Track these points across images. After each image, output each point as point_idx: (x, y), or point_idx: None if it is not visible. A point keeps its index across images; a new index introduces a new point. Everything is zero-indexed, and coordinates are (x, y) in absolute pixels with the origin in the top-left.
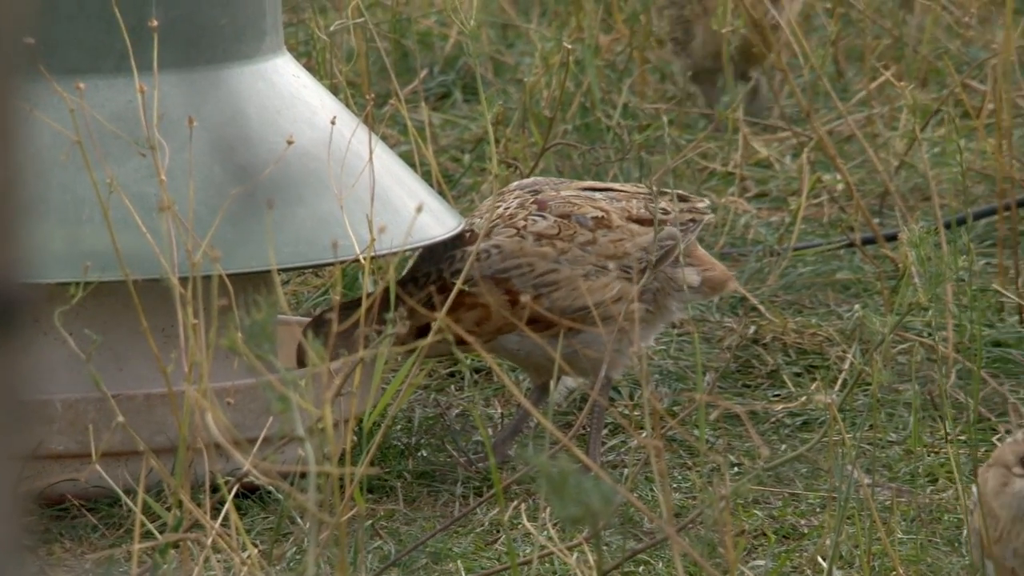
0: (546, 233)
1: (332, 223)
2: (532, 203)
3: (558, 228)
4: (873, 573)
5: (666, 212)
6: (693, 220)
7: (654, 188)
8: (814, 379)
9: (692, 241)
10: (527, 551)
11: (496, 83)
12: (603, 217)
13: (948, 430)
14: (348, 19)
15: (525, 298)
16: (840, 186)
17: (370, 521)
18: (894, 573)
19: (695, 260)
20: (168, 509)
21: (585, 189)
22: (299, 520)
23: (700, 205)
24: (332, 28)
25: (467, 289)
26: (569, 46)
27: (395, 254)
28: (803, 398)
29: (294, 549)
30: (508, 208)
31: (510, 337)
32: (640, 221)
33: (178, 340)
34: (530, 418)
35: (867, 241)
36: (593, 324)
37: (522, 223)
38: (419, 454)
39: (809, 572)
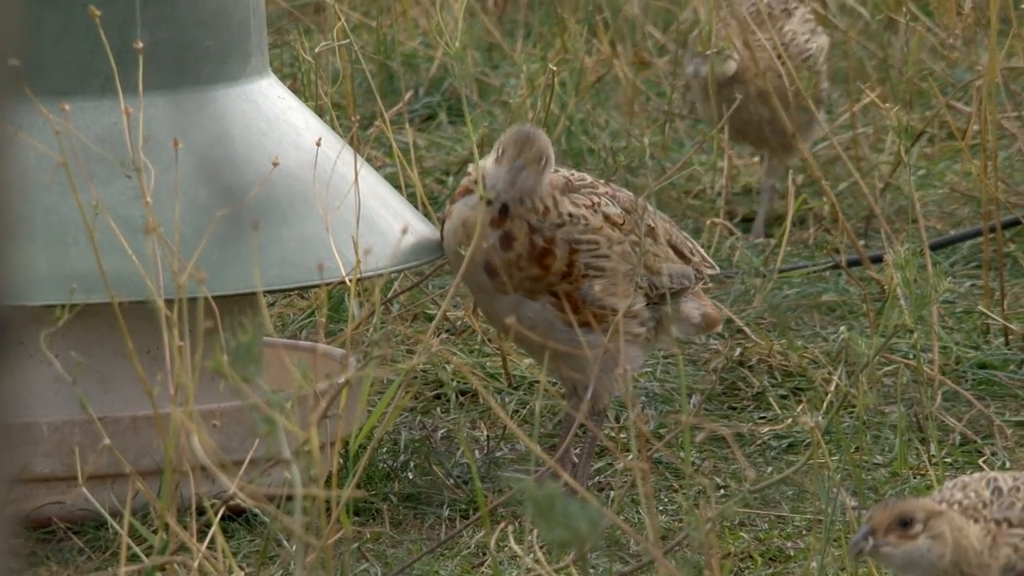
0: (614, 219)
1: (318, 245)
2: (607, 189)
3: (623, 219)
4: None
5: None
6: (699, 272)
7: (642, 209)
8: (800, 401)
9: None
10: (514, 574)
11: (481, 105)
12: (653, 228)
13: (934, 452)
14: (333, 41)
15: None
16: (826, 208)
17: (356, 544)
18: None
19: (696, 296)
20: (154, 532)
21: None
22: (285, 543)
23: (708, 271)
24: (317, 50)
25: (542, 239)
26: (554, 68)
27: (381, 276)
28: (789, 420)
29: (281, 572)
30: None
31: (532, 304)
32: (675, 248)
33: (164, 362)
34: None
35: (852, 263)
36: (606, 327)
37: (597, 200)
38: (405, 476)
39: None
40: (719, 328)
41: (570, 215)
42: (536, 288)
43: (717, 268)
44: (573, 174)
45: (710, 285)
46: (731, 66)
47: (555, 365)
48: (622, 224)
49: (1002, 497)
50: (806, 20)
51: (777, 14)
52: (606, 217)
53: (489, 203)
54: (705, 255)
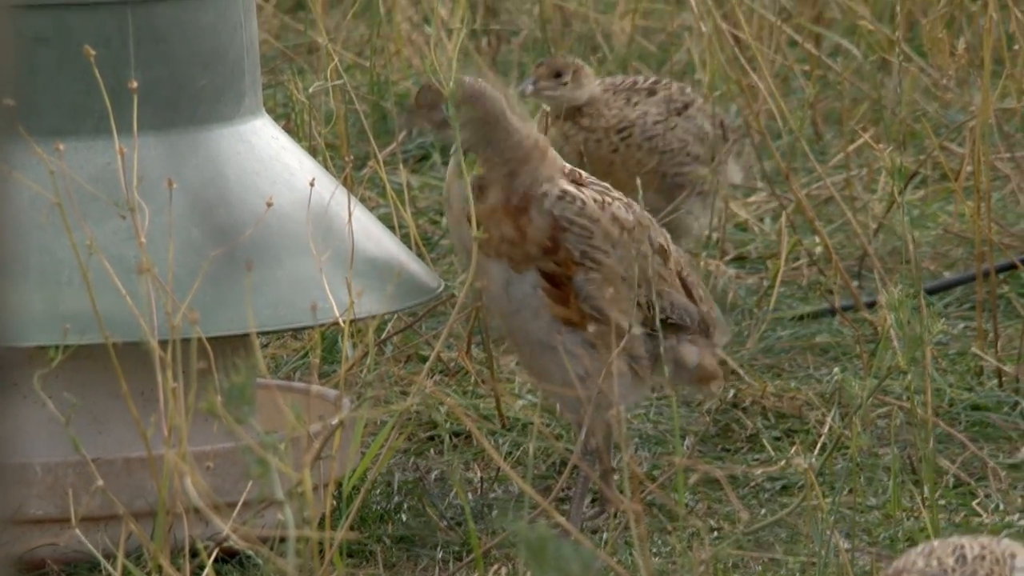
0: (623, 222)
1: (311, 285)
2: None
3: (634, 226)
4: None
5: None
6: (705, 323)
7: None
8: (793, 443)
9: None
10: None
11: None
12: (667, 252)
13: (927, 495)
14: (327, 81)
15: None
16: (819, 249)
17: None
18: None
19: (699, 345)
20: (148, 574)
21: None
22: None
23: (721, 336)
24: (311, 90)
25: (517, 196)
26: (547, 108)
27: (374, 317)
28: (782, 462)
29: None
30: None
31: (521, 284)
32: (683, 281)
33: (157, 403)
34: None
35: (847, 307)
36: (597, 327)
37: (608, 200)
38: (399, 518)
39: None
40: (716, 387)
41: (564, 191)
42: (516, 256)
43: (729, 335)
44: (585, 175)
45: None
46: (580, 95)
47: (534, 371)
48: (631, 230)
49: (965, 566)
50: (672, 102)
51: (640, 87)
52: (614, 218)
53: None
54: (720, 316)
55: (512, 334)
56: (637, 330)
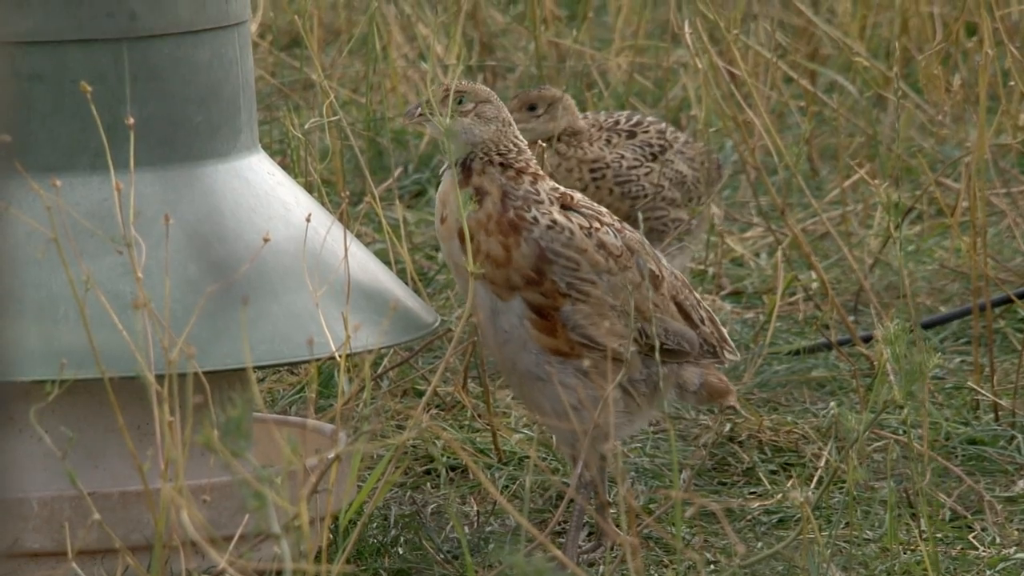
0: (610, 249)
1: (307, 320)
2: (617, 226)
3: (621, 252)
4: None
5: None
6: (709, 346)
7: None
8: (790, 476)
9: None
10: None
11: None
12: (658, 277)
13: (924, 528)
14: (323, 117)
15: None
16: (815, 284)
17: None
18: None
19: (701, 367)
20: None
21: None
22: None
23: (728, 354)
24: (307, 126)
25: (514, 210)
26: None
27: (370, 352)
28: (779, 495)
29: None
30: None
31: (508, 315)
32: (679, 306)
33: (154, 437)
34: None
35: (844, 342)
36: (590, 357)
37: (597, 225)
38: (395, 551)
39: None
40: (730, 400)
41: (554, 222)
42: (499, 278)
43: (737, 355)
44: (577, 198)
45: (724, 366)
46: (554, 128)
47: (526, 402)
48: (619, 256)
49: None
50: (648, 147)
51: (621, 128)
52: (602, 244)
53: (451, 166)
54: (726, 336)
55: (503, 365)
56: (628, 350)
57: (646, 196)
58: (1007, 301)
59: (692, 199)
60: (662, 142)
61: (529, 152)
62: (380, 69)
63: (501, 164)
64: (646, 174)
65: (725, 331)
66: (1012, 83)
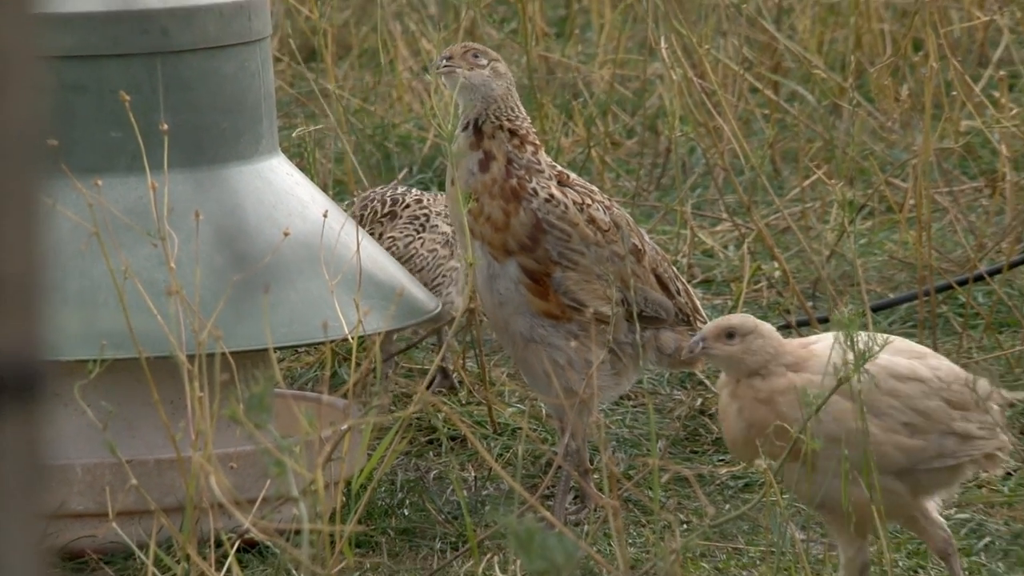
0: (599, 224)
1: (323, 306)
2: (606, 203)
3: (608, 227)
4: None
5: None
6: (684, 314)
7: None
8: None
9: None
10: None
11: None
12: (641, 251)
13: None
14: (335, 124)
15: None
16: (777, 273)
17: (357, 573)
18: None
19: (678, 332)
20: (177, 562)
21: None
22: (294, 572)
23: (700, 323)
24: (321, 131)
25: (517, 178)
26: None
27: (379, 334)
28: (744, 463)
29: None
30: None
31: (504, 279)
32: (659, 278)
33: (185, 411)
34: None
35: (801, 323)
36: (579, 319)
37: (589, 202)
38: (401, 512)
39: None
40: (698, 367)
41: (551, 196)
42: (496, 240)
43: (706, 320)
44: (572, 177)
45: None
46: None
47: (519, 364)
48: (606, 231)
49: None
50: (415, 219)
51: (380, 216)
52: (592, 219)
53: (464, 128)
54: (699, 307)
55: (497, 326)
56: (613, 312)
57: (428, 266)
58: (948, 288)
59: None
60: (423, 210)
61: (528, 119)
62: (387, 80)
63: (510, 131)
64: (421, 244)
65: (698, 303)
66: (954, 93)
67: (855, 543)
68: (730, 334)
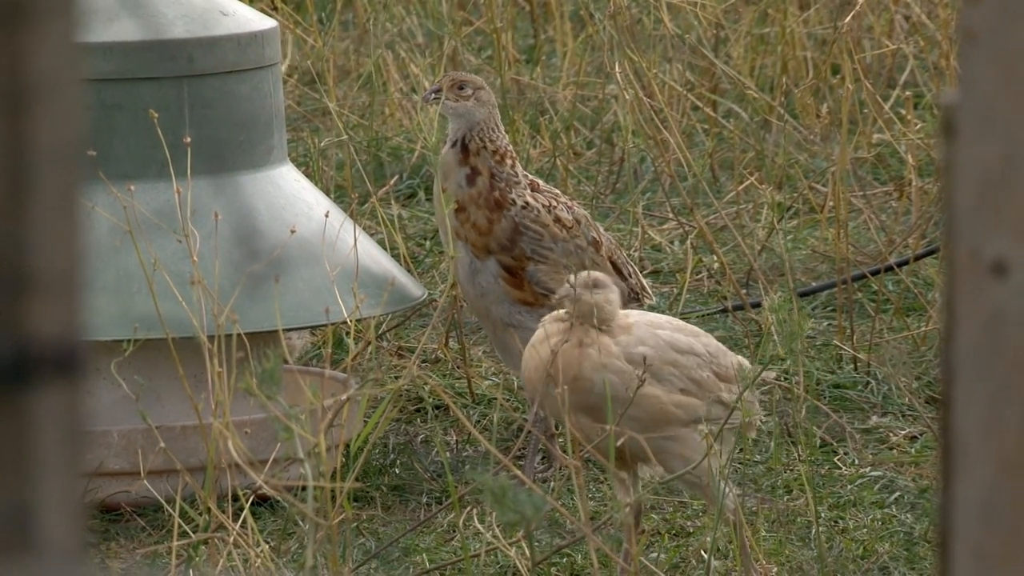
0: (564, 222)
1: (325, 293)
2: (568, 204)
3: (572, 224)
4: (742, 563)
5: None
6: (635, 294)
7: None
8: None
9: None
10: (477, 546)
11: None
12: (598, 242)
13: (800, 452)
14: (336, 137)
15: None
16: (716, 265)
17: (355, 524)
18: (758, 563)
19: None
20: (200, 515)
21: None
22: (301, 523)
23: (647, 300)
24: (323, 144)
25: (499, 190)
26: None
27: (374, 318)
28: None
29: (297, 546)
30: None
31: (485, 273)
32: (614, 264)
33: (206, 384)
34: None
35: (737, 308)
36: (548, 304)
37: (555, 204)
38: (393, 471)
39: (694, 562)
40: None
41: (527, 203)
42: (479, 243)
43: (653, 299)
44: (541, 184)
45: (643, 306)
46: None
47: (498, 346)
48: (570, 228)
49: None
50: None
51: None
52: (557, 219)
53: (453, 145)
54: (645, 284)
55: (479, 313)
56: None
57: None
58: (863, 277)
59: None
60: None
61: (506, 136)
62: (381, 100)
63: (492, 151)
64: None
65: (646, 282)
66: (867, 110)
67: (627, 488)
68: (596, 285)
